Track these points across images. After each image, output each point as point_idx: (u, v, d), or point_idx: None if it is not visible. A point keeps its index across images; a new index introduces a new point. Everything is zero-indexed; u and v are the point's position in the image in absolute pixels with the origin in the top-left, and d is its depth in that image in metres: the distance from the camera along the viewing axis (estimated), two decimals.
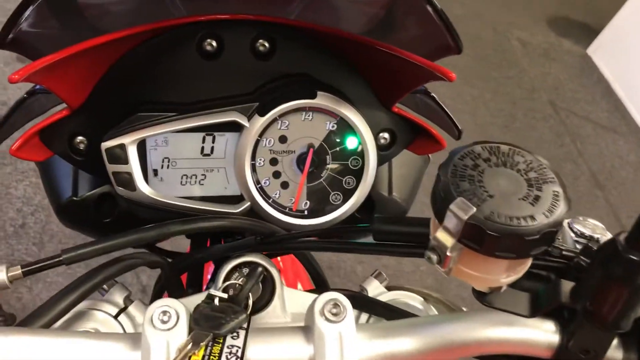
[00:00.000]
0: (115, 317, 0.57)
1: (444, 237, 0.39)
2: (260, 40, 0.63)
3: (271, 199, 0.68)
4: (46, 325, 0.49)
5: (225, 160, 0.66)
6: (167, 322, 0.46)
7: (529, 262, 0.42)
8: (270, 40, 0.63)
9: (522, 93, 3.40)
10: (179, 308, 0.48)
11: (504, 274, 0.41)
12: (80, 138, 0.64)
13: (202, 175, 0.67)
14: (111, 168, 0.63)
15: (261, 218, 0.67)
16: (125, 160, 0.62)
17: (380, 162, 0.70)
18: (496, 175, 0.40)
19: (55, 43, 0.54)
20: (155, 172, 0.65)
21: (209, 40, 0.62)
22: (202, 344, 0.45)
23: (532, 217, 0.38)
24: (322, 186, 0.69)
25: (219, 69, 0.64)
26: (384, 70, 0.64)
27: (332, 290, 0.58)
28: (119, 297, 0.58)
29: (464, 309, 0.59)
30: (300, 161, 0.67)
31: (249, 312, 0.51)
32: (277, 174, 0.67)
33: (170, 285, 0.65)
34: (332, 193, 0.69)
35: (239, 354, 0.45)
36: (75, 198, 0.68)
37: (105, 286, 0.60)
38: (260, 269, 0.56)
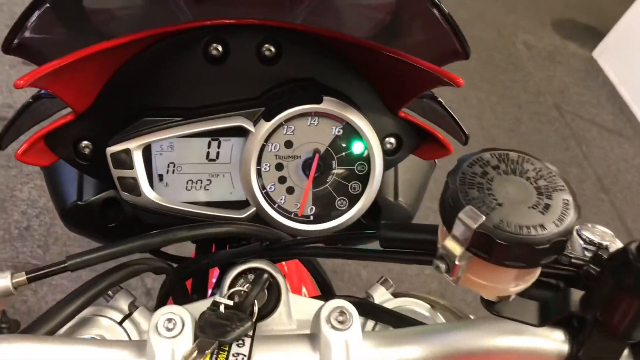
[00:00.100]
0: (120, 323, 0.57)
1: (452, 246, 0.38)
2: (266, 45, 0.63)
3: (276, 204, 0.68)
4: (51, 332, 0.48)
5: (231, 165, 0.66)
6: (172, 330, 0.46)
7: (538, 271, 0.42)
8: (276, 45, 0.63)
9: (527, 96, 3.39)
10: (184, 315, 0.48)
11: (512, 283, 0.41)
12: (85, 143, 0.64)
13: (208, 180, 0.67)
14: (116, 173, 0.63)
15: (266, 223, 0.67)
16: (130, 165, 0.62)
17: (386, 167, 0.69)
18: (505, 183, 0.40)
19: (61, 48, 0.54)
20: (161, 177, 0.65)
21: (214, 44, 0.62)
22: (207, 351, 0.45)
23: (542, 226, 0.37)
24: (327, 191, 0.68)
25: (224, 73, 0.63)
26: (391, 75, 0.64)
27: (338, 297, 0.57)
28: (123, 303, 0.58)
29: (471, 317, 0.59)
30: (306, 166, 0.66)
31: (254, 320, 0.51)
32: (282, 179, 0.67)
33: (175, 290, 0.64)
34: (338, 198, 0.69)
35: None
36: (80, 203, 0.68)
37: (110, 292, 0.59)
38: (265, 275, 0.55)
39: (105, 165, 0.63)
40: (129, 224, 0.70)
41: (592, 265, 0.44)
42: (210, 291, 0.79)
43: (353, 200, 0.69)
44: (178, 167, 0.65)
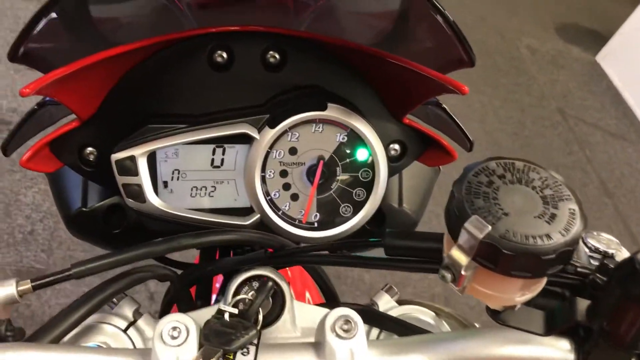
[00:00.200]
0: (125, 330, 0.57)
1: (458, 256, 0.38)
2: (271, 52, 0.63)
3: (281, 211, 0.68)
4: (55, 340, 0.48)
5: (235, 172, 0.66)
6: (177, 338, 0.46)
7: (544, 281, 0.42)
8: (281, 52, 0.63)
9: (531, 100, 3.39)
10: (189, 323, 0.48)
11: (519, 292, 0.41)
12: (90, 149, 0.64)
13: (212, 187, 0.67)
14: (121, 180, 0.63)
15: (271, 230, 0.67)
16: (135, 172, 0.62)
17: (390, 173, 0.69)
18: (511, 193, 0.40)
19: (66, 55, 0.54)
20: (165, 184, 0.65)
21: (219, 51, 0.62)
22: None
23: (549, 236, 0.37)
24: (332, 198, 0.68)
25: (229, 80, 0.63)
26: (395, 81, 0.64)
27: (343, 304, 0.57)
28: (128, 311, 0.58)
29: (477, 325, 0.59)
30: (310, 173, 0.66)
31: (259, 328, 0.51)
32: (287, 186, 0.67)
33: (180, 297, 0.64)
34: (342, 205, 0.69)
35: None
36: (84, 209, 0.68)
37: (114, 299, 0.59)
38: (270, 283, 0.55)
39: (109, 171, 0.63)
40: (133, 230, 0.70)
41: (598, 275, 0.44)
42: (214, 297, 0.80)
43: (357, 207, 0.69)
44: (183, 173, 0.65)
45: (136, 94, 0.63)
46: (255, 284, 0.56)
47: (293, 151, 0.65)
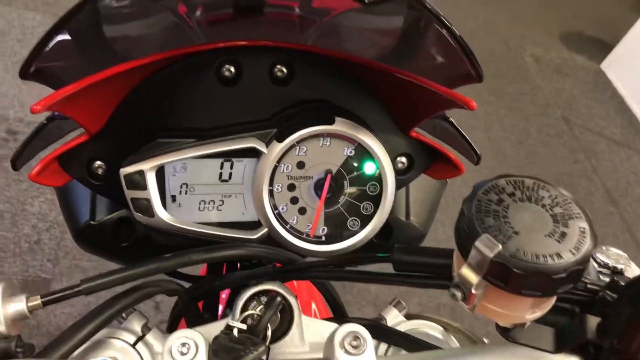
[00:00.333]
0: (134, 345, 0.57)
1: (468, 274, 0.38)
2: (279, 66, 0.63)
3: (289, 225, 0.68)
4: (65, 356, 0.48)
5: (243, 186, 0.66)
6: (187, 354, 0.46)
7: (554, 299, 0.42)
8: (289, 66, 0.63)
9: (535, 109, 3.39)
10: (198, 339, 0.48)
11: (529, 310, 0.41)
12: (98, 163, 0.64)
13: (220, 201, 0.67)
14: (130, 194, 0.63)
15: (279, 244, 0.67)
16: (144, 187, 0.62)
17: (398, 186, 0.69)
18: (521, 211, 0.40)
19: (76, 71, 0.54)
20: (174, 198, 0.65)
21: (227, 66, 0.62)
22: None
23: (559, 255, 0.37)
24: (339, 212, 0.68)
25: (237, 94, 0.64)
26: (403, 96, 0.64)
27: (351, 319, 0.57)
28: (136, 325, 0.58)
29: (485, 340, 0.58)
30: (318, 187, 0.66)
31: (267, 343, 0.51)
32: (294, 200, 0.67)
33: (188, 311, 0.64)
34: (350, 219, 0.69)
35: None
36: (92, 222, 0.68)
37: (123, 313, 0.59)
38: (279, 298, 0.55)
39: (118, 185, 0.63)
40: (142, 243, 0.70)
41: (608, 292, 0.44)
42: (220, 307, 0.80)
43: (365, 220, 0.69)
44: (191, 187, 0.65)
45: (144, 109, 0.63)
46: (264, 299, 0.56)
47: (301, 165, 0.66)
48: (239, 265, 0.75)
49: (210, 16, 0.59)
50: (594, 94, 3.67)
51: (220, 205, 0.67)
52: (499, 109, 3.28)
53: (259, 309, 0.55)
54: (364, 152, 0.66)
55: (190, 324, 0.64)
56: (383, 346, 0.60)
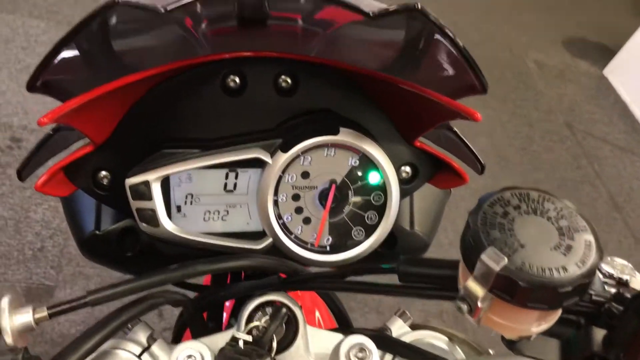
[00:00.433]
0: (139, 356, 0.57)
1: (474, 287, 0.38)
2: (283, 77, 0.63)
3: (293, 235, 0.68)
4: None
5: (248, 196, 0.66)
6: None
7: (560, 311, 0.42)
8: (293, 77, 0.64)
9: (539, 115, 3.39)
10: (204, 351, 0.48)
11: (535, 323, 0.41)
12: (104, 173, 0.64)
13: (225, 211, 0.67)
14: (135, 204, 0.63)
15: (283, 254, 0.67)
16: (149, 197, 0.63)
17: (402, 195, 0.69)
18: (527, 224, 0.40)
19: (82, 82, 0.55)
20: (179, 208, 0.66)
21: (232, 76, 0.62)
22: None
23: (565, 268, 0.37)
24: (344, 221, 0.69)
25: (242, 105, 0.64)
26: (406, 106, 0.64)
27: (356, 329, 0.57)
28: (142, 336, 0.58)
29: (491, 352, 0.58)
30: (323, 197, 0.66)
31: (273, 355, 0.51)
32: (299, 210, 0.67)
33: (193, 322, 0.64)
34: (354, 228, 0.69)
35: None
36: (98, 232, 0.69)
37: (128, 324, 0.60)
38: (284, 309, 0.55)
39: (123, 195, 0.63)
40: (146, 253, 0.70)
41: (614, 304, 0.44)
42: (225, 315, 0.80)
43: (369, 230, 0.69)
44: (196, 198, 0.66)
45: (149, 119, 0.63)
46: (269, 310, 0.56)
47: (305, 175, 0.66)
48: (242, 274, 0.75)
49: (215, 28, 0.60)
50: (597, 100, 3.67)
51: (225, 215, 0.67)
52: (502, 114, 3.28)
53: (264, 320, 0.55)
54: (368, 162, 0.66)
55: (196, 334, 0.64)
56: (388, 357, 0.60)
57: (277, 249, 0.68)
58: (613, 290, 0.48)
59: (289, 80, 0.63)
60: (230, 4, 0.53)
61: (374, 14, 0.45)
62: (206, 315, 0.73)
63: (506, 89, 3.49)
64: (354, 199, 0.68)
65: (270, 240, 0.67)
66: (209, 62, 0.61)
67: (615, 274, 0.53)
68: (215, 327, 0.73)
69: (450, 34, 0.51)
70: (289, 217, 0.67)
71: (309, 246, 0.68)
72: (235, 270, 0.59)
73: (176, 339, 0.75)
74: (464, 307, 0.40)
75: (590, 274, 0.37)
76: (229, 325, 0.65)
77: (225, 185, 0.66)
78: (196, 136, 0.64)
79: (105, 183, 0.64)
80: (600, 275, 0.54)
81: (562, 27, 4.24)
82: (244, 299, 0.59)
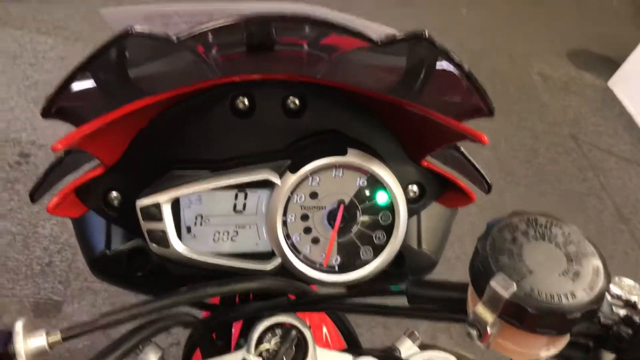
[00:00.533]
0: None
1: (484, 313, 0.39)
2: (291, 98, 0.64)
3: (302, 255, 0.68)
4: None
5: (257, 216, 0.67)
6: None
7: (569, 336, 0.42)
8: (301, 98, 0.64)
9: (543, 127, 3.39)
10: None
11: (544, 348, 0.41)
12: (114, 194, 0.65)
13: (234, 231, 0.67)
14: (146, 225, 0.64)
15: (292, 274, 0.68)
16: (159, 218, 0.63)
17: (409, 214, 0.70)
18: (535, 249, 0.40)
19: (95, 107, 0.56)
20: (189, 229, 0.66)
21: (241, 98, 0.63)
22: None
23: (573, 295, 0.37)
24: (352, 241, 0.69)
25: (251, 126, 0.65)
26: (413, 127, 0.65)
27: (365, 350, 0.57)
28: (153, 357, 0.59)
29: None
30: (331, 217, 0.67)
31: None
32: (307, 230, 0.68)
33: (202, 342, 0.65)
34: (363, 248, 0.69)
35: None
36: (108, 252, 0.69)
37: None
38: (294, 332, 0.56)
39: (133, 215, 0.64)
40: (156, 273, 0.71)
41: (622, 327, 0.44)
42: (233, 332, 0.80)
43: (378, 249, 0.69)
44: (206, 219, 0.66)
45: (160, 141, 0.64)
46: (279, 332, 0.57)
47: (314, 195, 0.66)
48: (251, 295, 0.76)
49: (225, 54, 0.61)
50: (602, 112, 3.67)
51: (235, 236, 0.68)
52: (506, 127, 3.29)
53: (274, 342, 0.56)
54: (376, 182, 0.67)
55: (205, 354, 0.65)
56: None
57: (285, 269, 0.68)
58: (621, 311, 0.48)
59: (297, 102, 0.64)
60: (240, 32, 0.54)
61: (382, 42, 0.46)
62: (215, 334, 0.74)
63: (510, 101, 3.50)
64: (362, 218, 0.68)
65: (279, 260, 0.67)
66: (218, 85, 0.62)
67: (624, 295, 0.53)
68: (224, 346, 0.73)
69: (457, 60, 0.51)
70: (298, 237, 0.68)
71: (317, 266, 0.69)
72: (245, 292, 0.59)
73: (186, 359, 0.75)
74: (474, 332, 0.40)
75: (599, 299, 0.38)
76: (238, 345, 0.65)
77: (235, 206, 0.66)
78: (206, 157, 0.65)
79: (115, 204, 0.65)
80: (609, 297, 0.54)
81: (566, 39, 4.25)
82: (253, 319, 0.60)
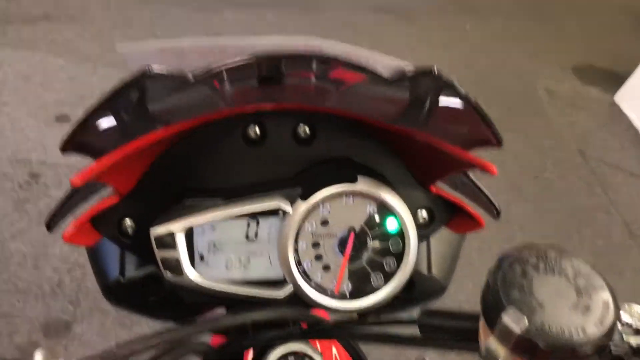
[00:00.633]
0: None
1: (496, 347, 0.39)
2: (301, 126, 0.65)
3: (313, 282, 0.69)
4: None
5: (269, 244, 0.68)
6: None
7: None
8: (311, 126, 0.66)
9: (550, 142, 3.39)
10: None
11: None
12: (129, 222, 0.66)
13: (246, 259, 0.68)
14: (160, 254, 0.65)
15: (303, 301, 0.68)
16: (173, 246, 0.65)
17: (419, 239, 0.70)
18: (545, 283, 0.41)
19: (111, 139, 0.57)
20: (202, 256, 0.67)
21: (252, 126, 0.65)
22: None
23: (584, 329, 0.38)
24: (362, 267, 0.69)
25: (262, 154, 0.66)
26: (422, 154, 0.65)
27: None
28: None
29: None
30: (342, 244, 0.68)
31: None
32: (318, 257, 0.68)
33: None
34: (373, 274, 0.70)
35: None
36: (122, 279, 0.70)
37: None
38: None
39: (147, 243, 0.65)
40: (169, 298, 0.71)
41: (634, 358, 0.45)
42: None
43: (388, 276, 0.70)
44: (218, 246, 0.67)
45: (173, 170, 0.65)
46: None
47: (325, 223, 0.67)
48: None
49: (237, 87, 0.62)
50: (609, 127, 3.66)
51: (247, 263, 0.69)
52: (513, 143, 3.28)
53: None
54: (386, 209, 0.67)
55: None
56: None
57: (297, 296, 0.69)
58: (632, 339, 0.49)
59: (307, 130, 0.66)
60: (251, 67, 0.55)
61: (392, 79, 0.47)
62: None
63: (517, 117, 3.50)
64: (373, 245, 0.69)
65: (290, 287, 0.68)
66: (231, 115, 0.63)
67: (634, 323, 0.54)
68: None
69: (463, 93, 0.52)
70: (309, 264, 0.68)
71: (329, 293, 0.69)
72: (259, 321, 0.60)
73: None
74: None
75: (609, 334, 0.38)
76: None
77: (247, 233, 0.67)
78: (218, 186, 0.66)
79: (130, 232, 0.67)
80: (619, 325, 0.54)
81: (571, 54, 4.26)
82: (266, 347, 0.61)
